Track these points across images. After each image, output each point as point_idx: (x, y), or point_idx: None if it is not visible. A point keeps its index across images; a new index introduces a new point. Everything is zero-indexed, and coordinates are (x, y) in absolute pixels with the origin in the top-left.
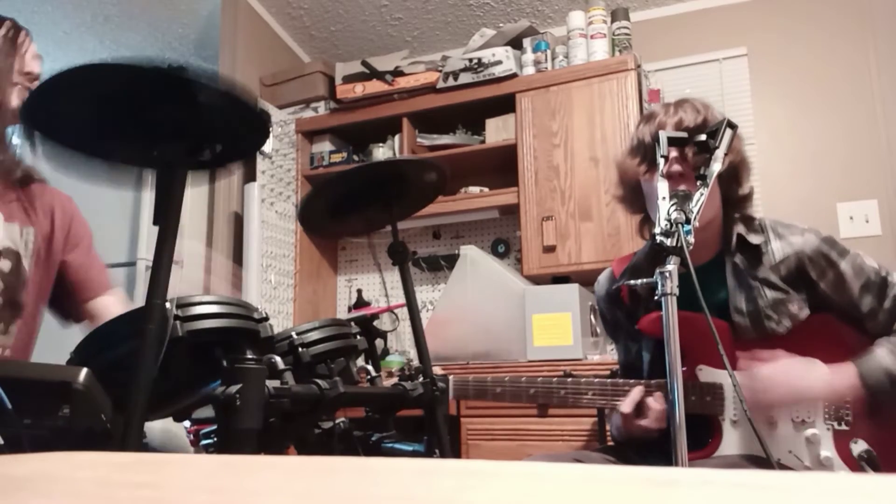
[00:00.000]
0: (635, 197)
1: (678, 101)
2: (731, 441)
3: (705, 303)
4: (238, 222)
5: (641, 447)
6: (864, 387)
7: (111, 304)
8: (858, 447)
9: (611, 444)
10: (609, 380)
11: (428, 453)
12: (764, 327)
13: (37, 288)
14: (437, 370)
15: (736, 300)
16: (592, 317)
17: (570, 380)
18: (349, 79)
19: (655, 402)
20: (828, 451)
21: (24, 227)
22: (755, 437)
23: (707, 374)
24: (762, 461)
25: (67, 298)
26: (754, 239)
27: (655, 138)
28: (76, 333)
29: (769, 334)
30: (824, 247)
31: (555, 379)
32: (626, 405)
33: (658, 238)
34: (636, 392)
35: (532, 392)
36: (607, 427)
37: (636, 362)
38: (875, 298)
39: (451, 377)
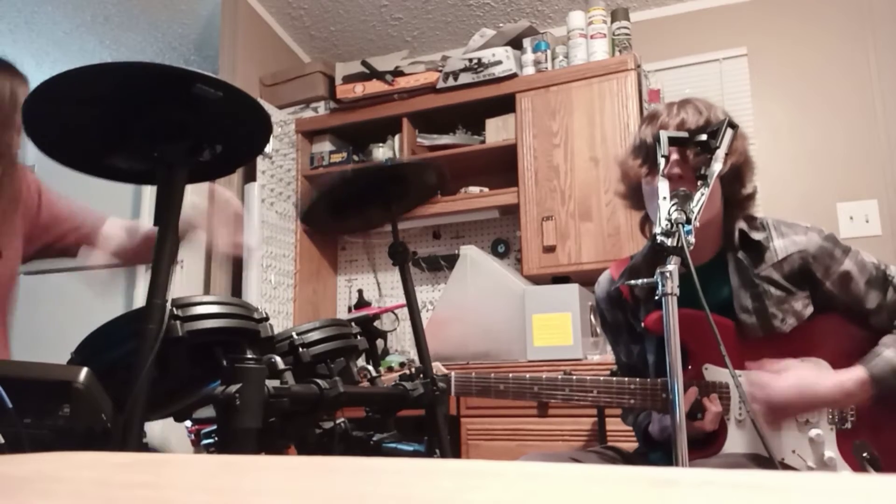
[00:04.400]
0: (637, 196)
1: (681, 102)
2: (736, 440)
3: (708, 302)
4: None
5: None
6: (875, 389)
7: (114, 228)
8: (862, 448)
9: (610, 444)
10: (615, 378)
11: (428, 453)
12: (770, 325)
13: (9, 273)
14: (440, 367)
15: (741, 298)
16: (592, 317)
17: (574, 377)
18: (349, 79)
19: (711, 404)
20: (831, 451)
21: None
22: (759, 437)
23: (713, 373)
24: (766, 461)
25: (77, 245)
26: (757, 235)
27: (656, 139)
28: (76, 333)
29: (775, 333)
30: (828, 245)
31: (559, 377)
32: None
33: (659, 238)
34: (691, 393)
35: (535, 390)
36: (607, 427)
37: (638, 364)
38: (880, 293)
39: (453, 373)
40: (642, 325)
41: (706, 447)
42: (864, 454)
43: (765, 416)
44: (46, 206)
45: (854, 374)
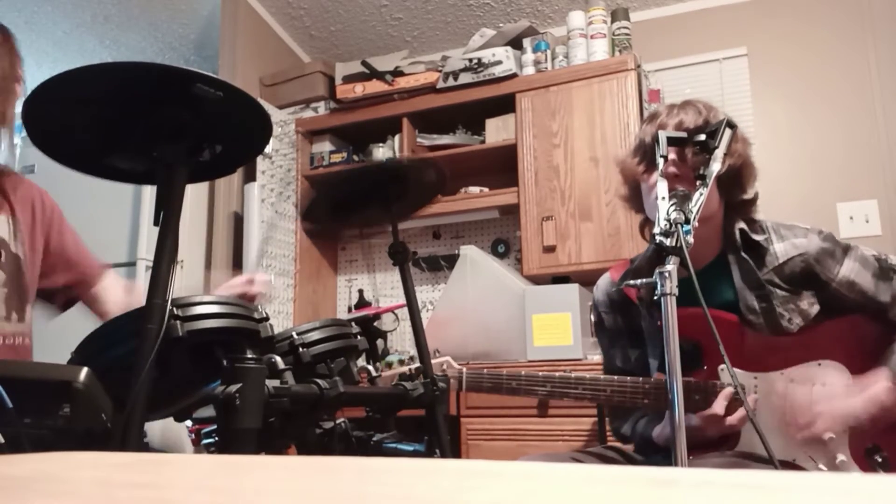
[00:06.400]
0: (638, 197)
1: (682, 103)
2: (750, 440)
3: (713, 303)
4: (238, 222)
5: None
6: None
7: (112, 286)
8: (873, 450)
9: (610, 444)
10: (629, 378)
11: (428, 453)
12: (778, 325)
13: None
14: (451, 361)
15: (746, 299)
16: (592, 316)
17: (588, 377)
18: (349, 79)
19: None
20: (843, 454)
21: (7, 217)
22: (773, 438)
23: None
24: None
25: (68, 290)
26: (757, 237)
27: (655, 138)
28: (76, 333)
29: (782, 332)
30: (828, 245)
31: (573, 375)
32: (719, 406)
33: (658, 238)
34: (728, 392)
35: (549, 388)
36: (607, 427)
37: (636, 369)
38: (887, 283)
39: (464, 370)
40: (658, 323)
41: (721, 446)
42: (877, 457)
43: (798, 433)
44: (58, 231)
45: (884, 386)
